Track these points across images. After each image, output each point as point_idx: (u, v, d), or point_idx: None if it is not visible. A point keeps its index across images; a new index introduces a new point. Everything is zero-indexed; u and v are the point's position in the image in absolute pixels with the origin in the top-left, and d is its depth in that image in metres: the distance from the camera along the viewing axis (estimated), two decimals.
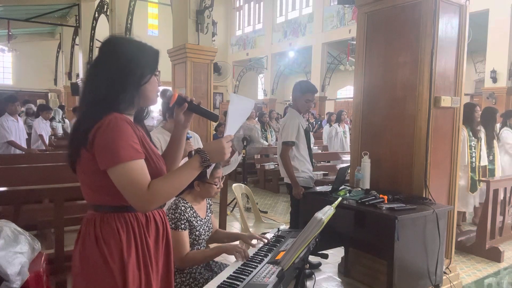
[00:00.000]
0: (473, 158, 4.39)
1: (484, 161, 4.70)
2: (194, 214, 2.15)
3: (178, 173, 1.30)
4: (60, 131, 10.03)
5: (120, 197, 1.25)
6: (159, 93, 1.41)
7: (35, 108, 10.49)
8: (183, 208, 2.09)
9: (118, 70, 1.28)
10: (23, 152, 5.60)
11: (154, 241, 1.38)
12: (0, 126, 5.34)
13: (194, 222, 2.13)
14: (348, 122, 8.52)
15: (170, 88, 1.44)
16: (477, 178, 4.39)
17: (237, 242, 2.37)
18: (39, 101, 13.41)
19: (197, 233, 2.14)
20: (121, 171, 1.20)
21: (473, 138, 4.42)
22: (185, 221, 2.07)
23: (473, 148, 4.38)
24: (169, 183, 1.26)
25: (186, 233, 2.07)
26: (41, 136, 6.72)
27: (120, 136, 1.21)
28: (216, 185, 2.20)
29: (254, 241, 2.14)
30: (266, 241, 2.12)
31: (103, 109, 1.25)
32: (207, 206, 2.31)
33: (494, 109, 5.20)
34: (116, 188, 1.23)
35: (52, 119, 8.58)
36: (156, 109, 7.63)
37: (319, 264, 3.64)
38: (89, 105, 1.28)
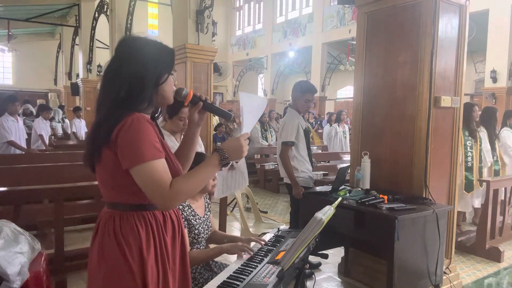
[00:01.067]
0: (469, 158, 4.37)
1: (490, 162, 4.68)
2: (193, 212, 2.15)
3: (198, 171, 1.31)
4: (60, 131, 10.04)
5: (140, 195, 1.27)
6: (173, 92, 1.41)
7: (32, 109, 10.51)
8: (180, 206, 2.09)
9: (138, 70, 1.29)
10: (23, 152, 5.61)
11: (171, 239, 1.40)
12: (0, 126, 5.34)
13: (192, 220, 2.13)
14: (348, 122, 8.52)
15: (184, 87, 1.43)
16: (473, 178, 4.37)
17: None
18: (39, 101, 13.42)
19: (196, 231, 2.14)
20: (144, 170, 1.22)
21: (470, 138, 4.40)
22: (183, 219, 2.07)
23: (468, 147, 4.36)
24: (190, 181, 1.28)
25: (185, 232, 2.07)
26: (41, 136, 6.73)
27: (142, 136, 1.23)
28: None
29: (252, 244, 2.14)
30: (263, 243, 2.12)
31: (124, 108, 1.26)
32: (205, 205, 2.31)
33: (494, 108, 5.19)
34: (136, 186, 1.25)
35: (52, 119, 8.58)
36: None
37: (319, 264, 3.64)
38: (110, 105, 1.28)
